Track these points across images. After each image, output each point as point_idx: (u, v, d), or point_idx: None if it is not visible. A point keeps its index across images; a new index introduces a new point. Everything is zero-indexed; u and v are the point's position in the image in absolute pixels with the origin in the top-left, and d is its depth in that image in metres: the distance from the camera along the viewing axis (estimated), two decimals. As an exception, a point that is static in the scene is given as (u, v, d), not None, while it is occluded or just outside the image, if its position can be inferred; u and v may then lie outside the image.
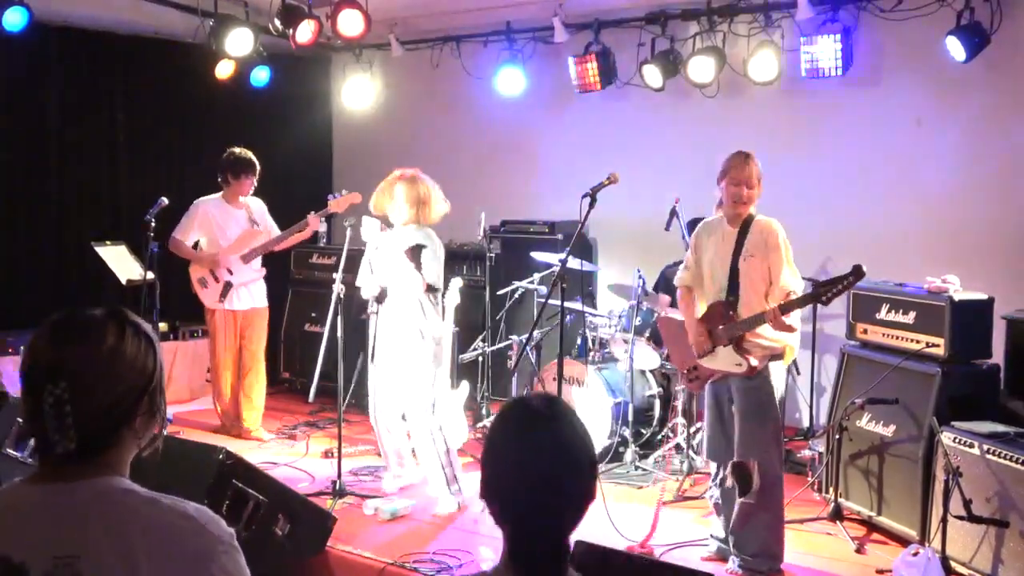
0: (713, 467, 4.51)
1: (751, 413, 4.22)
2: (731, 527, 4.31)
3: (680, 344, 4.56)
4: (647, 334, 6.14)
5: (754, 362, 4.17)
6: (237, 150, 6.31)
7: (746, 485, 4.20)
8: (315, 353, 5.20)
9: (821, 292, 3.97)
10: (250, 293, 6.40)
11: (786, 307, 4.02)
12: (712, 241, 4.37)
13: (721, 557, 4.42)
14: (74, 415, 1.51)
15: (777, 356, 4.26)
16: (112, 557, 1.49)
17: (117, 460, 1.60)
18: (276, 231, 6.39)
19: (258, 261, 6.39)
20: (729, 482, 4.28)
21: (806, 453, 5.65)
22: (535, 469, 1.59)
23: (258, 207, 6.46)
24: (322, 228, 6.18)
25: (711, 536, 4.55)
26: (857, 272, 3.91)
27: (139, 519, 1.52)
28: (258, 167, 6.31)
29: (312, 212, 6.17)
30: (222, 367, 6.42)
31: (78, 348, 1.55)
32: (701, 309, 4.41)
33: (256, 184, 6.35)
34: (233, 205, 6.35)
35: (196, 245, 6.35)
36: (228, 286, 6.28)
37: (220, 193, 6.35)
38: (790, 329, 4.12)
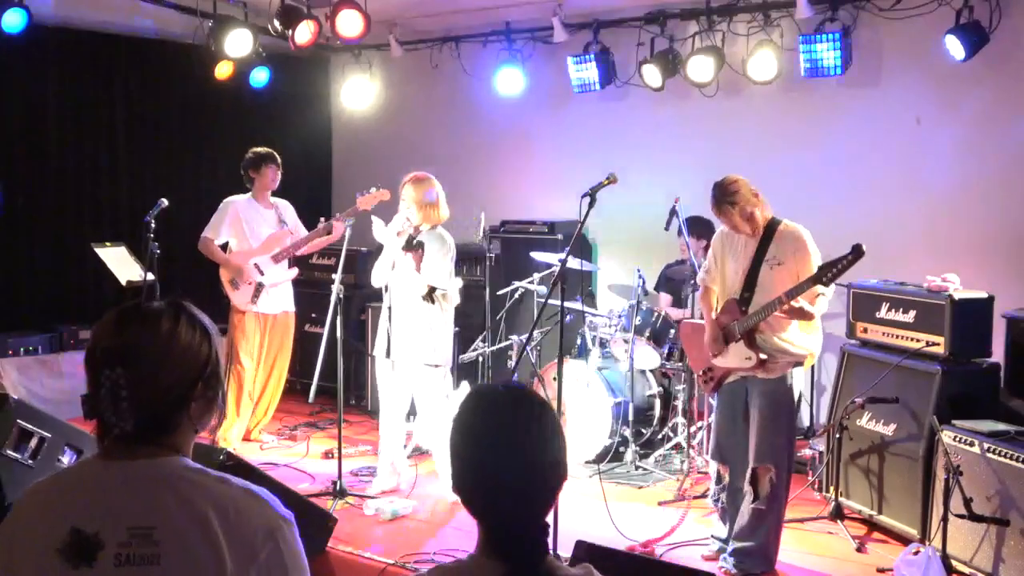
0: (715, 468, 4.51)
1: (770, 418, 4.22)
2: (739, 530, 4.31)
3: (698, 346, 4.57)
4: (647, 334, 6.15)
5: (763, 356, 4.18)
6: (254, 148, 6.31)
7: (759, 491, 4.21)
8: (315, 353, 5.20)
9: (822, 273, 3.96)
10: (280, 295, 6.29)
11: (793, 292, 4.02)
12: (733, 246, 4.38)
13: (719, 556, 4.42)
14: (129, 399, 1.57)
15: (798, 363, 4.28)
16: (189, 530, 1.55)
17: (181, 443, 1.67)
18: (303, 233, 6.29)
19: (287, 262, 6.30)
20: (745, 488, 4.27)
21: (806, 452, 5.65)
22: (506, 458, 1.59)
23: (287, 208, 6.40)
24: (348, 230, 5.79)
25: (712, 536, 4.55)
26: (856, 251, 3.89)
27: (212, 496, 1.59)
28: (278, 158, 6.26)
29: (336, 215, 6.08)
30: (244, 376, 6.17)
31: (134, 336, 1.62)
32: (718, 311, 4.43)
33: (279, 181, 6.27)
34: (263, 204, 6.27)
35: (225, 246, 6.22)
36: (260, 287, 6.14)
37: (249, 193, 6.28)
38: (805, 315, 4.10)
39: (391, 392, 5.28)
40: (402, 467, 5.43)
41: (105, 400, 1.57)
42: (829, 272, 3.94)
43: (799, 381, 4.34)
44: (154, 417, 1.62)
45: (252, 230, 6.19)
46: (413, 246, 5.06)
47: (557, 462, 1.64)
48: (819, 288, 4.03)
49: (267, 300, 6.20)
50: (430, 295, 5.09)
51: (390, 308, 5.18)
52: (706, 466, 5.51)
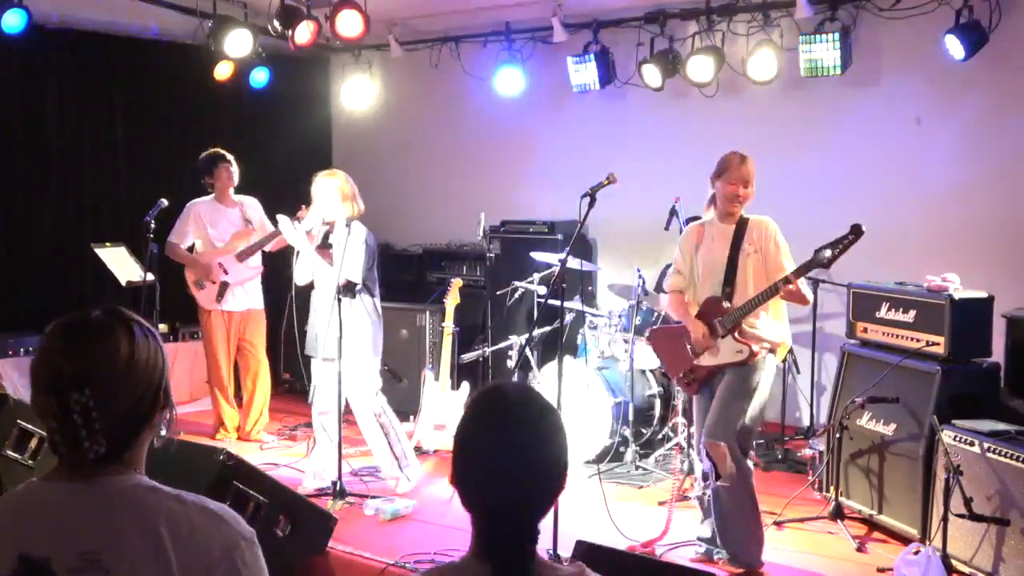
0: (699, 462, 4.52)
1: (731, 397, 4.24)
2: (717, 521, 4.31)
3: (672, 351, 4.56)
4: (647, 334, 6.14)
5: (755, 347, 4.19)
6: (204, 152, 6.40)
7: (718, 468, 4.22)
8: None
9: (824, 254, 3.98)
10: (246, 293, 6.39)
11: (796, 272, 4.03)
12: (705, 240, 4.39)
13: (708, 559, 4.41)
14: (100, 420, 1.54)
15: (771, 350, 4.28)
16: (141, 552, 1.52)
17: (137, 457, 1.64)
18: (270, 229, 6.33)
19: (256, 259, 6.37)
20: (705, 466, 4.30)
21: (806, 452, 5.65)
22: (507, 459, 1.60)
23: (252, 205, 6.47)
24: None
25: (697, 538, 4.54)
26: (856, 231, 3.92)
27: (166, 515, 1.56)
28: (229, 156, 6.34)
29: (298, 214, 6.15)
30: (221, 372, 6.39)
31: (96, 355, 1.57)
32: (694, 311, 4.42)
33: (237, 176, 6.34)
34: (225, 204, 6.37)
35: (192, 247, 6.36)
36: (224, 286, 6.28)
37: (212, 195, 6.39)
38: (804, 300, 4.16)
39: (325, 389, 5.26)
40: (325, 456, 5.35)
41: (78, 425, 1.53)
42: (831, 252, 3.96)
43: (770, 374, 4.31)
44: (125, 434, 1.59)
45: (216, 230, 6.31)
46: (327, 245, 5.15)
47: (558, 466, 1.64)
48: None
49: (232, 298, 6.32)
50: (349, 290, 5.12)
51: (339, 303, 5.10)
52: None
